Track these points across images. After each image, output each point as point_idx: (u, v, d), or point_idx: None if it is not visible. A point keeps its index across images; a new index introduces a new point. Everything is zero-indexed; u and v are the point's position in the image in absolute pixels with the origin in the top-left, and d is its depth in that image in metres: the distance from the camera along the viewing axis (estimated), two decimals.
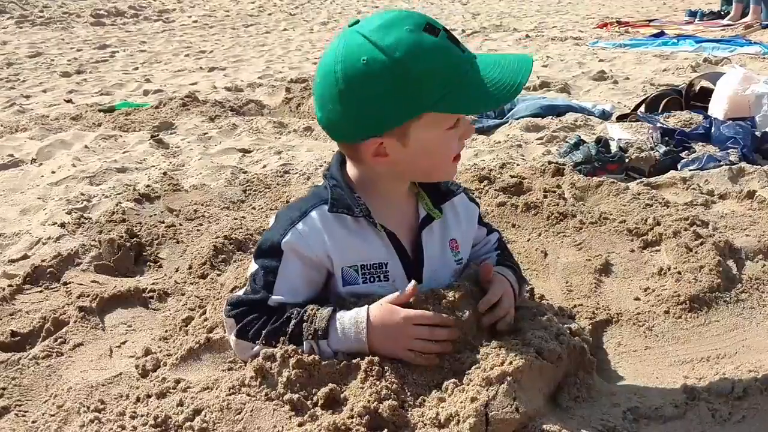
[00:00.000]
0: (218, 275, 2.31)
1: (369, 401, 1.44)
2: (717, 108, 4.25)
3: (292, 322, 1.57)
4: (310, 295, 1.66)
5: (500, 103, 1.48)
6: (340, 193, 1.64)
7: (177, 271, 2.42)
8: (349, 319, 1.57)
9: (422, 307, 1.58)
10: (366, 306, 1.58)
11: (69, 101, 6.03)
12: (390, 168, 1.63)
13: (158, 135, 4.59)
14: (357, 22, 1.58)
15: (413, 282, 1.59)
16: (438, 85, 1.51)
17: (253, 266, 1.68)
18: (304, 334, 1.55)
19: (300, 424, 1.42)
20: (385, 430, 1.42)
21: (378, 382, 1.48)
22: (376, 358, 1.53)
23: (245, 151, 4.22)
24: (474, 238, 1.88)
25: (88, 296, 2.13)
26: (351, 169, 1.70)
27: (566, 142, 3.88)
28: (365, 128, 1.56)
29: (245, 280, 1.74)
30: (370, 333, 1.55)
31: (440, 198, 1.75)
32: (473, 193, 3.01)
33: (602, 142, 3.59)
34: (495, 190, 3.00)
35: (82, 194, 3.37)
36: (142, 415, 1.51)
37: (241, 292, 1.71)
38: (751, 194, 3.01)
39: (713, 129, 3.90)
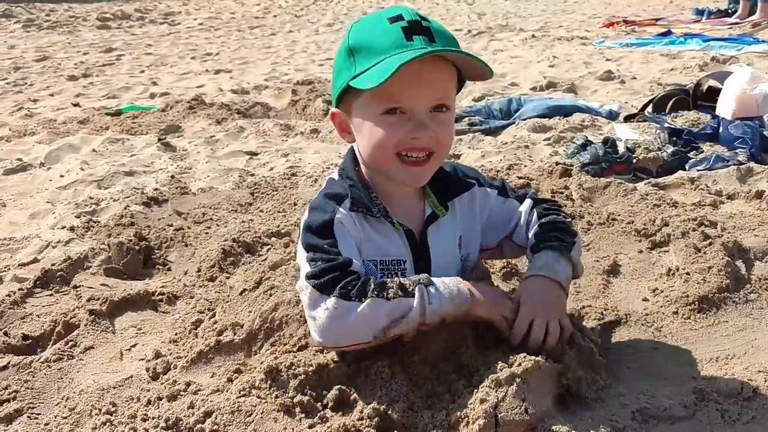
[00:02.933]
0: (227, 278, 2.32)
1: (379, 403, 1.45)
2: (725, 107, 4.24)
3: (389, 281, 1.53)
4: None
5: (375, 82, 1.48)
6: (358, 193, 1.66)
7: (186, 274, 2.43)
8: (446, 278, 1.60)
9: None
10: None
11: (76, 105, 6.06)
12: (358, 151, 1.69)
13: (165, 138, 4.62)
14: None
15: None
16: (362, 60, 1.55)
17: (305, 250, 1.60)
18: (409, 285, 1.53)
19: (310, 426, 1.43)
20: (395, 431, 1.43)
21: (388, 384, 1.49)
22: (386, 361, 1.53)
23: (252, 154, 4.23)
24: (504, 215, 1.85)
25: (98, 299, 2.14)
26: (360, 151, 1.70)
27: (573, 142, 3.87)
28: (333, 100, 1.70)
29: (297, 268, 1.70)
30: (471, 289, 1.59)
31: (449, 194, 1.76)
32: None
33: (609, 143, 3.59)
34: None
35: (91, 198, 3.39)
36: (153, 418, 1.52)
37: (305, 272, 1.56)
38: (759, 194, 3.01)
39: (721, 129, 3.89)
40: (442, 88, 1.58)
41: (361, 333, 1.49)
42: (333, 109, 1.71)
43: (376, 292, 1.48)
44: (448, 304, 1.53)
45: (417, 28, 1.53)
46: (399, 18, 1.54)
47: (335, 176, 1.76)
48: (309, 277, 1.52)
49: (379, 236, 1.66)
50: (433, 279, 1.57)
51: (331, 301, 1.48)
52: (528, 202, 1.86)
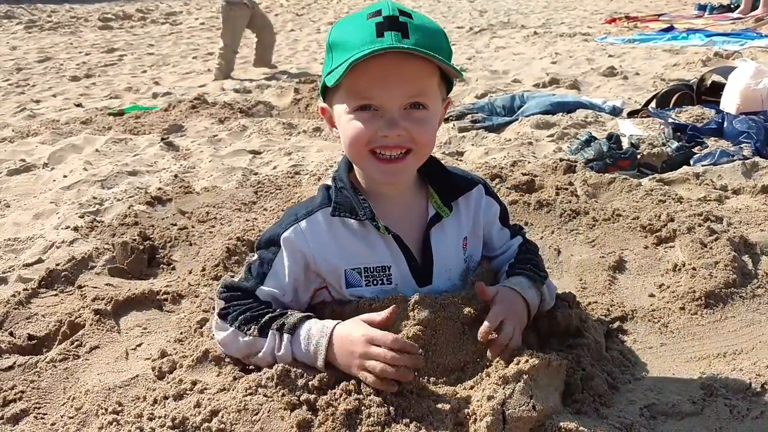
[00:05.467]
0: (231, 277, 2.32)
1: (385, 401, 1.44)
2: (729, 102, 4.23)
3: (269, 314, 1.60)
4: (295, 295, 1.67)
5: (332, 79, 1.52)
6: (346, 195, 1.65)
7: (190, 273, 2.43)
8: (319, 325, 1.56)
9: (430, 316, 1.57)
10: (340, 321, 1.56)
11: (79, 105, 6.07)
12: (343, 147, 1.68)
13: (168, 138, 4.62)
14: None
15: (392, 307, 1.53)
16: (337, 56, 1.56)
17: (252, 256, 1.73)
18: (272, 324, 1.58)
19: (318, 424, 1.42)
20: (402, 427, 1.42)
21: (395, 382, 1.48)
22: None
23: (255, 153, 4.23)
24: (496, 240, 1.85)
25: (103, 299, 2.13)
26: (358, 171, 1.71)
27: (577, 138, 3.87)
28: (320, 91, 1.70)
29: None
30: (332, 343, 1.52)
31: (453, 194, 1.74)
32: None
33: (613, 139, 3.57)
34: (507, 188, 2.99)
35: (95, 198, 3.39)
36: (159, 417, 1.51)
37: (237, 278, 1.75)
38: (765, 189, 3.00)
39: (725, 124, 3.88)
40: (416, 85, 1.55)
41: (230, 352, 1.68)
42: (321, 104, 1.72)
43: (238, 325, 1.61)
44: (301, 356, 1.56)
45: (392, 23, 1.50)
46: (377, 13, 1.53)
47: (329, 181, 1.77)
48: (222, 285, 1.73)
49: (360, 243, 1.65)
50: (306, 325, 1.55)
51: (214, 316, 1.69)
52: (518, 239, 1.88)
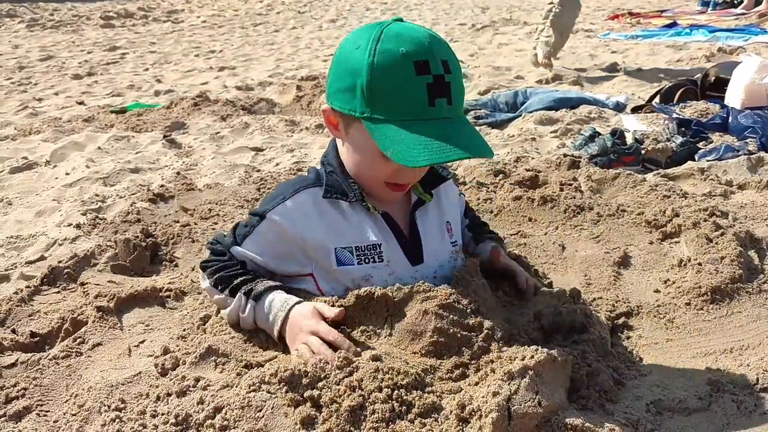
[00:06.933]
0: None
1: (389, 397, 1.43)
2: (733, 97, 4.21)
3: (241, 277, 1.73)
4: (271, 262, 1.76)
5: (408, 164, 1.49)
6: (336, 179, 1.71)
7: (193, 269, 2.42)
8: (281, 298, 1.68)
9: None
10: (302, 300, 1.68)
11: (81, 103, 6.06)
12: (341, 149, 1.72)
13: (170, 135, 4.61)
14: (401, 19, 1.65)
15: (341, 309, 1.62)
16: (381, 102, 1.53)
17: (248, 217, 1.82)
18: (242, 287, 1.71)
19: (323, 421, 1.41)
20: (407, 424, 1.41)
21: (398, 377, 1.47)
22: (397, 353, 1.52)
23: (258, 150, 4.22)
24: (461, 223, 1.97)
25: (106, 296, 2.12)
26: (345, 156, 1.73)
27: (581, 134, 3.85)
28: (328, 94, 1.68)
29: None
30: (287, 320, 1.65)
31: (432, 183, 1.82)
32: (488, 188, 3.00)
33: (618, 134, 3.56)
34: (510, 184, 2.98)
35: (97, 195, 3.39)
36: (162, 414, 1.51)
37: (226, 232, 1.87)
38: None
39: (730, 118, 3.86)
40: None
41: (211, 301, 1.86)
42: (326, 106, 1.68)
43: (213, 282, 1.78)
44: (261, 323, 1.72)
45: (440, 85, 1.51)
46: (425, 67, 1.50)
47: (317, 165, 1.83)
48: (214, 237, 1.89)
49: (350, 222, 1.70)
50: (270, 296, 1.69)
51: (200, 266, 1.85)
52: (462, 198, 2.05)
